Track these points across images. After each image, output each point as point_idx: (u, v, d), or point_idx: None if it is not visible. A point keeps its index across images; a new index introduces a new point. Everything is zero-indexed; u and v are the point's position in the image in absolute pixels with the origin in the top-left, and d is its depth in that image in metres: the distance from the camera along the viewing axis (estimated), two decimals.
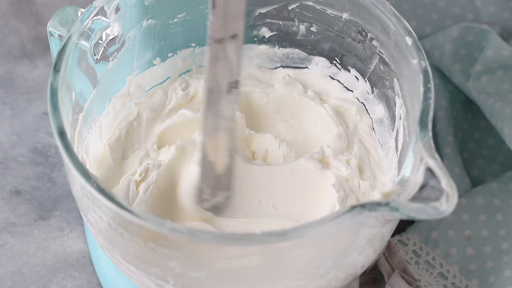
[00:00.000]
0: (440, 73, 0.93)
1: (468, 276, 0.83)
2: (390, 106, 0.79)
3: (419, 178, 0.65)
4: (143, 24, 0.79)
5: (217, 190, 0.74)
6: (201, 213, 0.76)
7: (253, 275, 0.68)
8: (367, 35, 0.78)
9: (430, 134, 0.67)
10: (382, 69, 0.78)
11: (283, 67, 0.85)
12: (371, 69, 0.79)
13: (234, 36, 0.66)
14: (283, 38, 0.83)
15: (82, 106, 0.76)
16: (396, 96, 0.77)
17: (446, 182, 0.64)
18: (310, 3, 0.79)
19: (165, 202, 0.77)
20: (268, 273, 0.68)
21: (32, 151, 0.92)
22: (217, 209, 0.75)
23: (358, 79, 0.81)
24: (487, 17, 0.97)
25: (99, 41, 0.75)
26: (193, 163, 0.76)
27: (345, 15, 0.78)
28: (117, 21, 0.76)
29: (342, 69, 0.82)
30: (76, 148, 0.74)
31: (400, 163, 0.76)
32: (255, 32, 0.83)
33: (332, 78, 0.83)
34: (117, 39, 0.77)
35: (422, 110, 0.69)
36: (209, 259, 0.67)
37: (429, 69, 0.71)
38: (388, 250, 0.82)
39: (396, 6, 0.95)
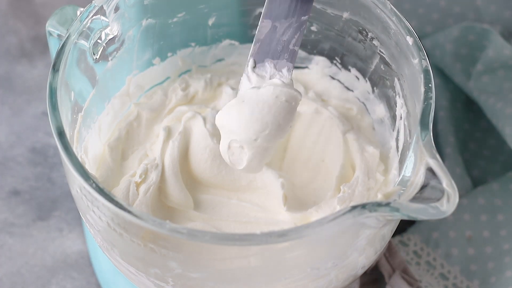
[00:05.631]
0: (441, 72, 0.93)
1: (469, 277, 0.82)
2: (390, 106, 0.78)
3: (420, 178, 0.65)
4: (143, 24, 0.79)
5: None
6: (219, 179, 0.77)
7: (253, 275, 0.68)
8: (368, 34, 0.77)
9: (431, 134, 0.67)
10: (383, 68, 0.78)
11: None
12: (372, 69, 0.79)
13: None
14: None
15: (81, 106, 0.75)
16: (397, 96, 0.77)
17: (447, 182, 0.64)
18: None
19: (165, 204, 0.77)
20: (268, 274, 0.68)
21: (31, 151, 0.91)
22: None
23: (358, 78, 0.81)
24: (488, 16, 0.96)
25: (98, 41, 0.75)
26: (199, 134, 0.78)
27: (345, 15, 0.78)
28: (117, 20, 0.76)
29: (342, 69, 0.82)
30: (75, 148, 0.74)
31: (401, 163, 0.76)
32: (255, 32, 0.83)
33: (332, 78, 0.83)
34: (117, 38, 0.77)
35: (423, 110, 0.68)
36: (209, 259, 0.67)
37: (430, 68, 0.71)
38: (389, 251, 0.82)
39: (396, 6, 0.95)
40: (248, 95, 0.73)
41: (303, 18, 0.73)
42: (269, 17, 0.74)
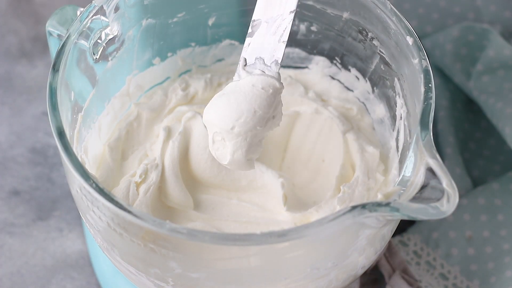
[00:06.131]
0: (441, 72, 0.93)
1: (469, 277, 0.82)
2: (390, 106, 0.78)
3: (420, 178, 0.65)
4: (143, 24, 0.79)
5: None
6: (219, 179, 0.77)
7: (253, 276, 0.68)
8: (368, 34, 0.77)
9: (431, 134, 0.67)
10: (383, 68, 0.78)
11: (283, 67, 0.84)
12: (372, 69, 0.79)
13: None
14: None
15: (81, 106, 0.75)
16: (397, 96, 0.77)
17: (447, 182, 0.64)
18: (311, 2, 0.79)
19: (165, 204, 0.77)
20: (268, 274, 0.68)
21: (31, 151, 0.91)
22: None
23: (358, 78, 0.81)
24: (488, 16, 0.96)
25: (98, 41, 0.75)
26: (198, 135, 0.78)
27: (345, 15, 0.78)
28: (117, 20, 0.76)
29: (342, 69, 0.82)
30: (75, 148, 0.74)
31: (401, 163, 0.75)
32: None
33: (332, 78, 0.83)
34: (117, 38, 0.77)
35: (423, 110, 0.68)
36: (209, 259, 0.67)
37: (430, 68, 0.71)
38: (389, 251, 0.82)
39: (396, 6, 0.95)
40: (229, 87, 0.73)
41: (291, 11, 0.74)
42: (260, 16, 0.74)
